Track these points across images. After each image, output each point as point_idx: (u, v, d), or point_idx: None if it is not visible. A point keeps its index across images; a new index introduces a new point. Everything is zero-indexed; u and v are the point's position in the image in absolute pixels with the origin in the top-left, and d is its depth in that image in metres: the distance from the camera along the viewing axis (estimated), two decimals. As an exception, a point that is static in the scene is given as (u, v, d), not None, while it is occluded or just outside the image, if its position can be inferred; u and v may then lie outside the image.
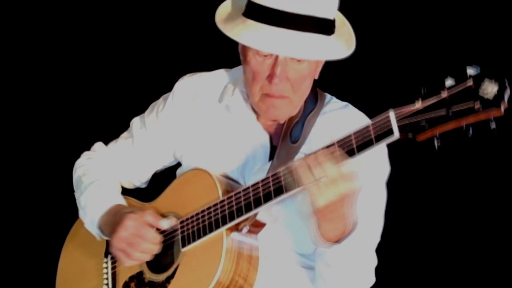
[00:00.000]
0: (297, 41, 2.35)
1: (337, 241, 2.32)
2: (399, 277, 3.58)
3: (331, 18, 2.41)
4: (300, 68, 2.42)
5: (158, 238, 2.51)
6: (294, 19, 2.34)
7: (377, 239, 2.52)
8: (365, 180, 2.42)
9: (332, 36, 2.42)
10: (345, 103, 2.62)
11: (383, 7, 3.58)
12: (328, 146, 2.22)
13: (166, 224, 2.52)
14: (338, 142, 2.19)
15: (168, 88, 2.75)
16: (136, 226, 2.50)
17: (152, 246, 2.50)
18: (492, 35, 3.36)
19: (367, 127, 2.14)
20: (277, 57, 2.40)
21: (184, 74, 2.74)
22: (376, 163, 2.43)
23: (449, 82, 2.03)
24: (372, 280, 2.49)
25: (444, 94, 2.03)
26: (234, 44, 2.49)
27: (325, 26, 2.39)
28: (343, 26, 2.49)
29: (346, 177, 2.17)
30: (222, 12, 2.52)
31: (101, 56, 3.88)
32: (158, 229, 2.54)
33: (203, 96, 2.67)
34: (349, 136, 2.17)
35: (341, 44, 2.44)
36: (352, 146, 2.16)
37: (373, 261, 2.47)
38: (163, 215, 2.57)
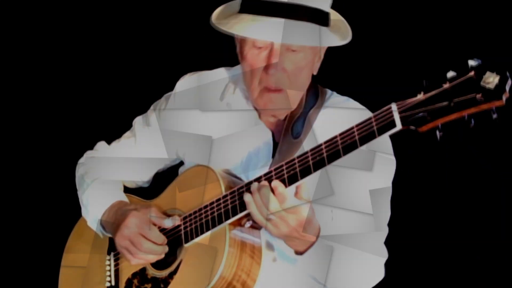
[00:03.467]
0: (291, 29, 2.38)
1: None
2: (404, 275, 3.59)
3: (326, 10, 2.45)
4: (296, 59, 2.44)
5: (162, 238, 2.52)
6: (287, 8, 2.38)
7: (384, 232, 2.52)
8: (372, 173, 2.46)
9: (327, 28, 2.46)
10: (346, 97, 2.64)
11: (384, 4, 3.59)
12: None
13: (169, 223, 2.52)
14: (340, 134, 2.21)
15: (170, 87, 2.76)
16: (138, 224, 2.51)
17: (154, 246, 2.50)
18: (492, 30, 3.38)
19: (369, 119, 2.15)
20: (272, 47, 2.43)
21: (185, 73, 2.76)
22: (381, 158, 2.45)
23: (451, 74, 2.04)
24: (380, 275, 2.48)
25: (446, 86, 2.04)
26: (234, 44, 2.53)
27: (319, 17, 2.43)
28: (340, 22, 2.53)
29: (293, 212, 2.25)
30: (217, 14, 2.55)
31: (103, 55, 3.88)
32: (161, 228, 2.54)
33: (205, 94, 2.68)
34: (352, 128, 2.19)
35: (336, 35, 2.47)
36: (355, 138, 2.17)
37: (381, 255, 2.48)
38: (166, 213, 2.58)
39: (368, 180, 2.47)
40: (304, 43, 2.42)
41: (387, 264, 2.50)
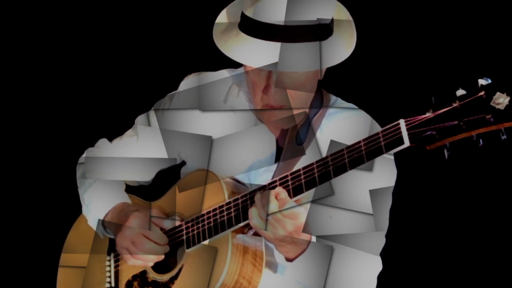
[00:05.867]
0: (289, 55, 2.32)
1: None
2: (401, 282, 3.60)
3: (327, 21, 2.37)
4: (296, 77, 2.39)
5: (164, 238, 2.52)
6: (285, 31, 2.31)
7: (381, 243, 2.51)
8: (372, 183, 2.45)
9: (330, 39, 2.39)
10: (350, 104, 2.61)
11: (396, 20, 3.57)
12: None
13: (169, 224, 2.53)
14: (347, 148, 2.19)
15: (173, 86, 2.74)
16: (140, 225, 2.52)
17: (155, 246, 2.51)
18: (502, 49, 3.38)
19: (377, 134, 2.14)
20: None
21: (189, 72, 2.73)
22: (382, 168, 2.43)
23: (460, 92, 2.03)
24: (372, 285, 2.48)
25: (456, 104, 2.02)
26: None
27: (320, 32, 2.36)
28: (345, 23, 2.45)
29: (290, 217, 2.24)
30: (220, 21, 2.50)
31: (105, 53, 3.88)
32: (163, 230, 2.55)
33: (208, 95, 2.66)
34: (359, 143, 2.17)
35: (341, 45, 2.40)
36: (362, 153, 2.17)
37: (375, 265, 2.47)
38: (168, 215, 2.58)
39: (369, 180, 2.45)
40: (305, 69, 2.35)
41: (388, 273, 2.51)
